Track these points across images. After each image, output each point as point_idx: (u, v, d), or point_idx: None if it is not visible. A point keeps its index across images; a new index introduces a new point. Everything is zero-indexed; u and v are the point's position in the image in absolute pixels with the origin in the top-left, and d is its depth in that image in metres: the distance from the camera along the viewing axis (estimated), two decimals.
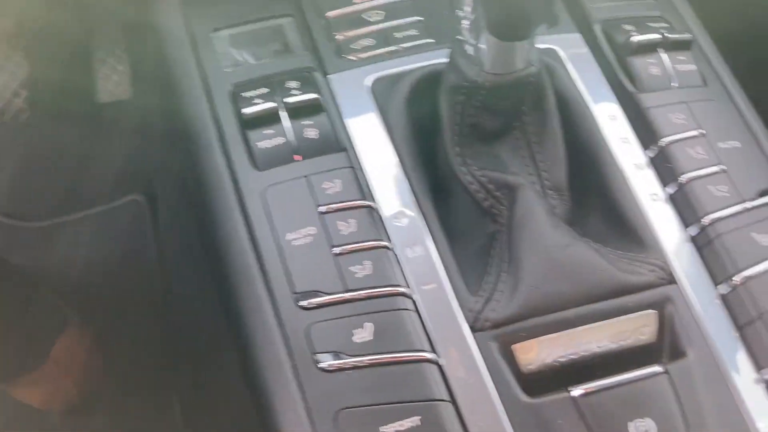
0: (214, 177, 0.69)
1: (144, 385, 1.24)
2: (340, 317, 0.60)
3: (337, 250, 0.63)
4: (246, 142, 0.70)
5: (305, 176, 0.67)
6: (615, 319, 0.63)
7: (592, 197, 0.72)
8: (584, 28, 0.81)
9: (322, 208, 0.66)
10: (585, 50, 0.79)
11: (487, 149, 0.73)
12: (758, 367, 0.63)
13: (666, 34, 0.78)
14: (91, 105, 1.43)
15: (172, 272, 1.29)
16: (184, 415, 1.20)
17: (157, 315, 1.26)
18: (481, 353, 0.61)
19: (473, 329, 0.62)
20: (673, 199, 0.70)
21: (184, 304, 1.18)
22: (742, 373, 0.62)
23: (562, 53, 0.78)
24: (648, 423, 0.58)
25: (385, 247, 0.64)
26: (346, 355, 0.59)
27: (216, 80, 0.74)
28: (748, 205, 0.69)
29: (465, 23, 0.66)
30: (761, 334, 0.63)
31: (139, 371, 1.25)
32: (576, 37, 0.81)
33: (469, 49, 0.66)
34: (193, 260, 1.04)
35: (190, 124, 0.73)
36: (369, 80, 0.75)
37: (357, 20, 0.80)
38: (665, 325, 0.64)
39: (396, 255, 0.65)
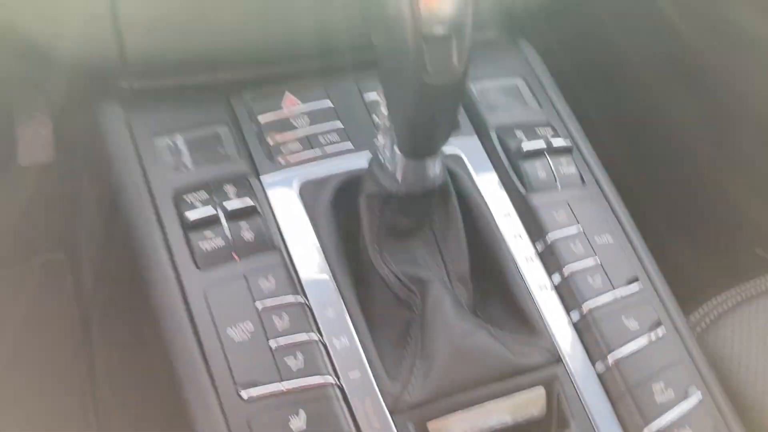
0: (160, 276, 0.76)
1: None
2: (278, 407, 0.69)
3: (272, 343, 0.72)
4: (188, 243, 0.78)
5: (243, 275, 0.76)
6: (510, 396, 0.75)
7: (491, 287, 0.84)
8: (482, 131, 0.94)
9: (259, 305, 0.74)
10: (483, 154, 0.92)
11: (402, 246, 0.84)
12: None
13: (551, 141, 0.92)
14: (11, 167, 1.45)
15: (94, 337, 1.32)
16: None
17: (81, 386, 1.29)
18: None
19: (393, 412, 0.72)
20: (557, 288, 0.83)
21: (109, 369, 1.22)
22: None
23: (465, 158, 0.90)
24: None
25: (315, 340, 0.74)
26: None
27: (159, 185, 0.81)
28: (618, 293, 0.83)
29: (380, 139, 0.77)
30: (630, 407, 0.76)
31: None
32: (474, 141, 0.93)
33: (385, 161, 0.77)
34: (120, 326, 1.08)
35: (135, 224, 0.81)
36: (297, 184, 0.84)
37: (286, 125, 0.90)
38: (552, 400, 0.76)
39: (325, 345, 0.75)
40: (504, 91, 0.99)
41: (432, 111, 0.70)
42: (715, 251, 1.55)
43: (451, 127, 0.74)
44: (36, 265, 1.50)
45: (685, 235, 1.59)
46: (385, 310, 0.82)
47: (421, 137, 0.73)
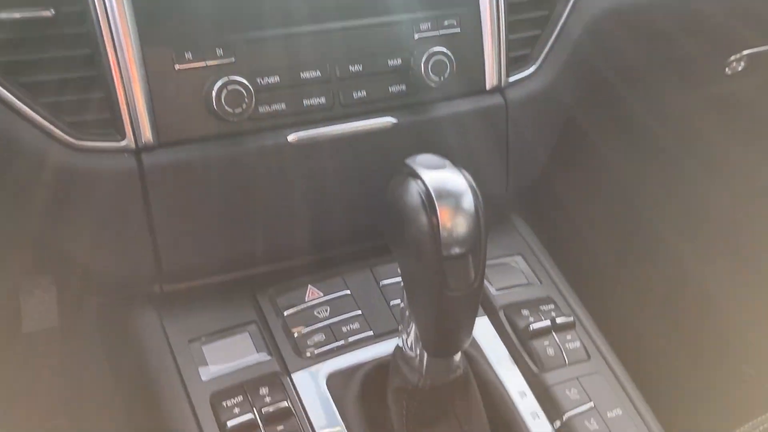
0: None
1: None
2: None
3: None
4: None
5: None
6: None
7: None
8: (490, 311, 1.01)
9: None
10: (493, 333, 0.99)
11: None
12: None
13: (555, 318, 1.00)
14: (16, 336, 1.46)
15: None
16: None
17: None
18: None
19: None
20: None
21: None
22: None
23: (478, 340, 0.97)
24: None
25: None
26: None
27: (197, 391, 0.86)
28: None
29: (404, 337, 0.83)
30: None
31: None
32: (485, 321, 1.00)
33: (409, 354, 0.83)
34: None
35: (174, 429, 0.85)
36: (324, 377, 0.90)
37: (309, 317, 0.96)
38: None
39: None
40: (505, 269, 1.07)
41: (454, 317, 0.77)
42: None
43: (472, 328, 0.80)
44: None
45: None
46: None
47: (445, 340, 0.79)
